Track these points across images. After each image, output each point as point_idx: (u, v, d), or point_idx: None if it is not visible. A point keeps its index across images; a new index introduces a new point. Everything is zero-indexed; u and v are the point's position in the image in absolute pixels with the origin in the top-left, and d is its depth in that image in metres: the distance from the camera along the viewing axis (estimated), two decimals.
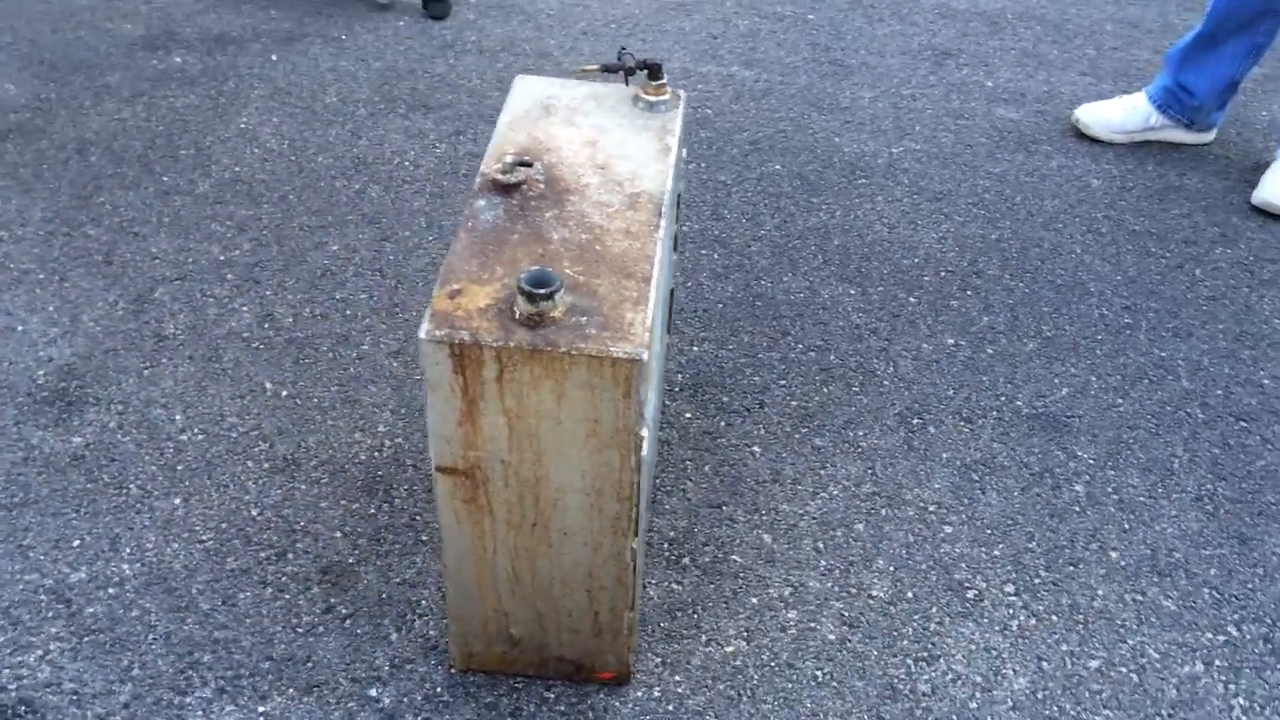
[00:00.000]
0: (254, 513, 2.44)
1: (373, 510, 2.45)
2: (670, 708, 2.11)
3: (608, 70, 2.16)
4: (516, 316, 1.68)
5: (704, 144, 3.67)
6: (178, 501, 2.45)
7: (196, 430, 2.62)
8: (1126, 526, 2.50)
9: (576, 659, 2.10)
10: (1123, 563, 2.42)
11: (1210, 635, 2.29)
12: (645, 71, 2.15)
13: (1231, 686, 2.19)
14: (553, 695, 2.13)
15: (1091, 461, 2.64)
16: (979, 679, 2.19)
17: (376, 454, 2.58)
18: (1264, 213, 3.47)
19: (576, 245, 1.84)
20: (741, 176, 3.53)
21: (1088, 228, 3.40)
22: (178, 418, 2.65)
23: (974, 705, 2.14)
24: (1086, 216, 3.45)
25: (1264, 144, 3.81)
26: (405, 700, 2.09)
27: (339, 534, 2.40)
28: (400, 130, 3.69)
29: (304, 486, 2.50)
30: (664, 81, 2.16)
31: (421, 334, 1.66)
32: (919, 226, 3.36)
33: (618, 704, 2.11)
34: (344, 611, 2.24)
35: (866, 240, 3.30)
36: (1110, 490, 2.58)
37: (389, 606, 2.26)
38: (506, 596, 2.00)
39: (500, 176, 1.93)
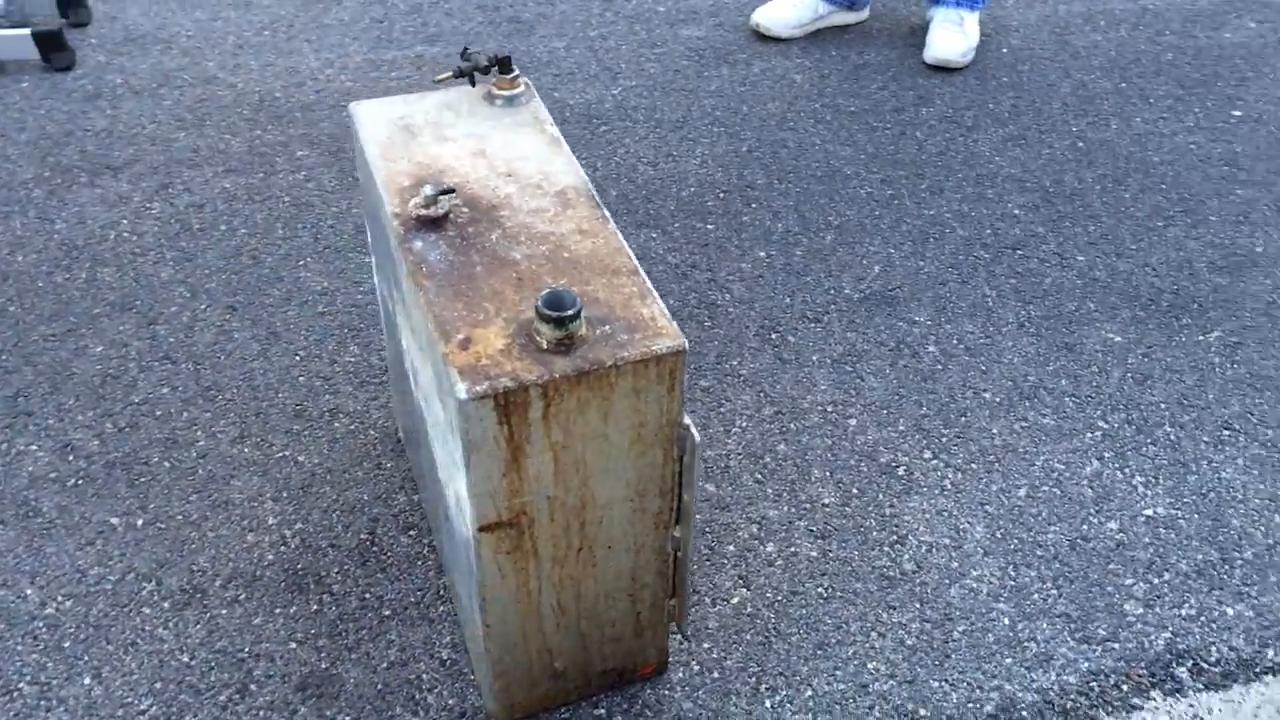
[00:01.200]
0: (186, 659, 2.14)
1: (315, 606, 2.23)
2: (715, 675, 2.13)
3: (463, 75, 2.04)
4: (545, 347, 1.59)
5: None
6: (88, 681, 2.10)
7: (60, 599, 2.23)
8: (984, 368, 2.79)
9: (619, 665, 2.06)
10: (997, 399, 2.70)
11: (1090, 435, 2.62)
12: (497, 67, 2.05)
13: (1126, 470, 2.54)
14: (603, 711, 2.08)
15: (929, 323, 2.90)
16: (947, 541, 2.38)
17: (283, 549, 2.34)
18: (939, 68, 3.89)
19: (544, 258, 1.75)
20: None
21: (815, 119, 3.66)
22: (29, 593, 2.24)
23: (955, 564, 2.34)
24: (808, 110, 3.70)
25: (910, 8, 4.24)
26: None
27: (293, 644, 2.17)
28: (96, 200, 3.25)
29: (224, 611, 2.22)
30: (516, 74, 2.07)
31: (462, 395, 1.53)
32: (677, 158, 3.46)
33: (667, 693, 2.10)
34: None
35: (639, 183, 3.35)
36: (955, 342, 2.85)
37: (391, 696, 2.09)
38: (551, 633, 1.92)
39: (425, 212, 1.79)
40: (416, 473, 2.37)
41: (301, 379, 2.70)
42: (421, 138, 1.99)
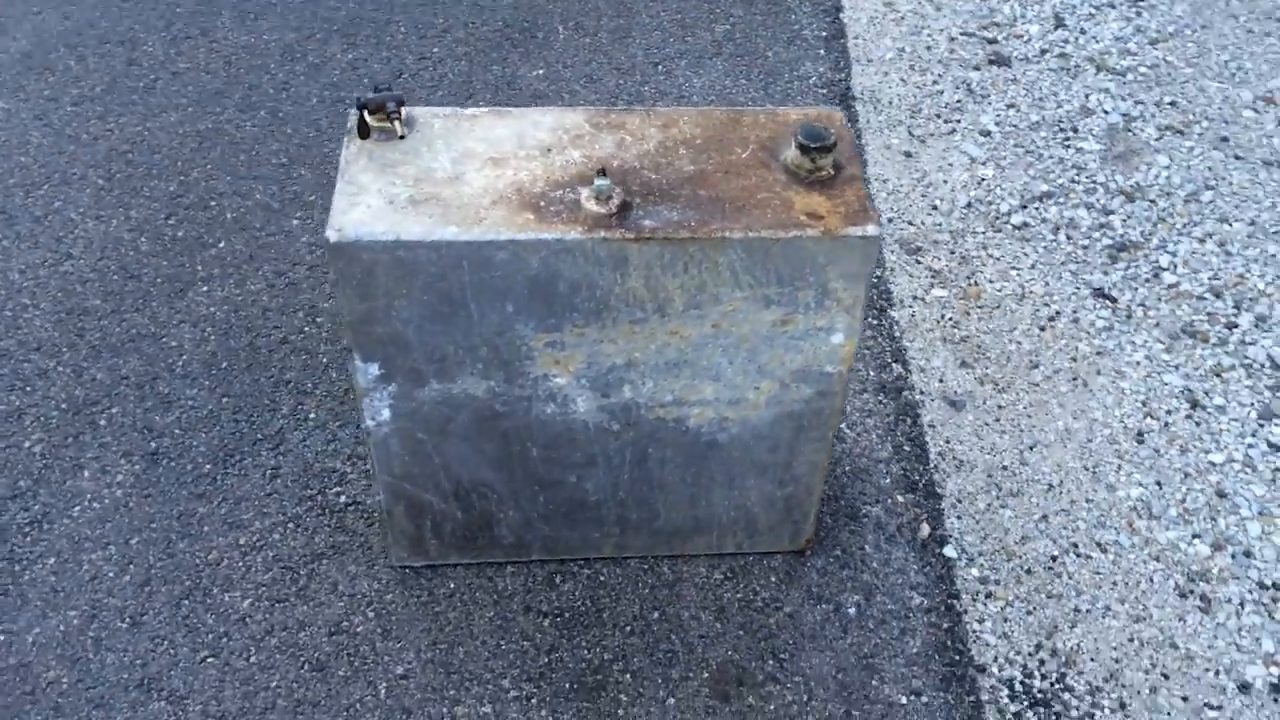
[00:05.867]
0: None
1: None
2: None
3: (380, 112, 1.73)
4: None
5: None
6: None
7: None
8: None
9: None
10: None
11: None
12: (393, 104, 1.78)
13: None
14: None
15: None
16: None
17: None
18: None
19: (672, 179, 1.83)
20: None
21: None
22: None
23: None
24: None
25: None
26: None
27: None
28: None
29: None
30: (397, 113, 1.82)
31: (873, 231, 1.71)
32: None
33: None
34: None
35: None
36: None
37: None
38: None
39: (602, 208, 1.69)
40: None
41: None
42: (469, 165, 1.72)
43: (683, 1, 3.83)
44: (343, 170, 1.75)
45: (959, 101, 3.47)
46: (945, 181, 3.17)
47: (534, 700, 2.02)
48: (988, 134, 3.35)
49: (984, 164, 3.23)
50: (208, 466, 2.37)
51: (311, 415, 2.48)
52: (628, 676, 2.07)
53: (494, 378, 1.85)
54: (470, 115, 1.88)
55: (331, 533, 2.26)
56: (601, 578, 2.21)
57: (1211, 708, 2.07)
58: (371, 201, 1.70)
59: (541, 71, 3.49)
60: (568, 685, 2.04)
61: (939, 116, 3.41)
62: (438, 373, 1.83)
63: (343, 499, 2.32)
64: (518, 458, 1.99)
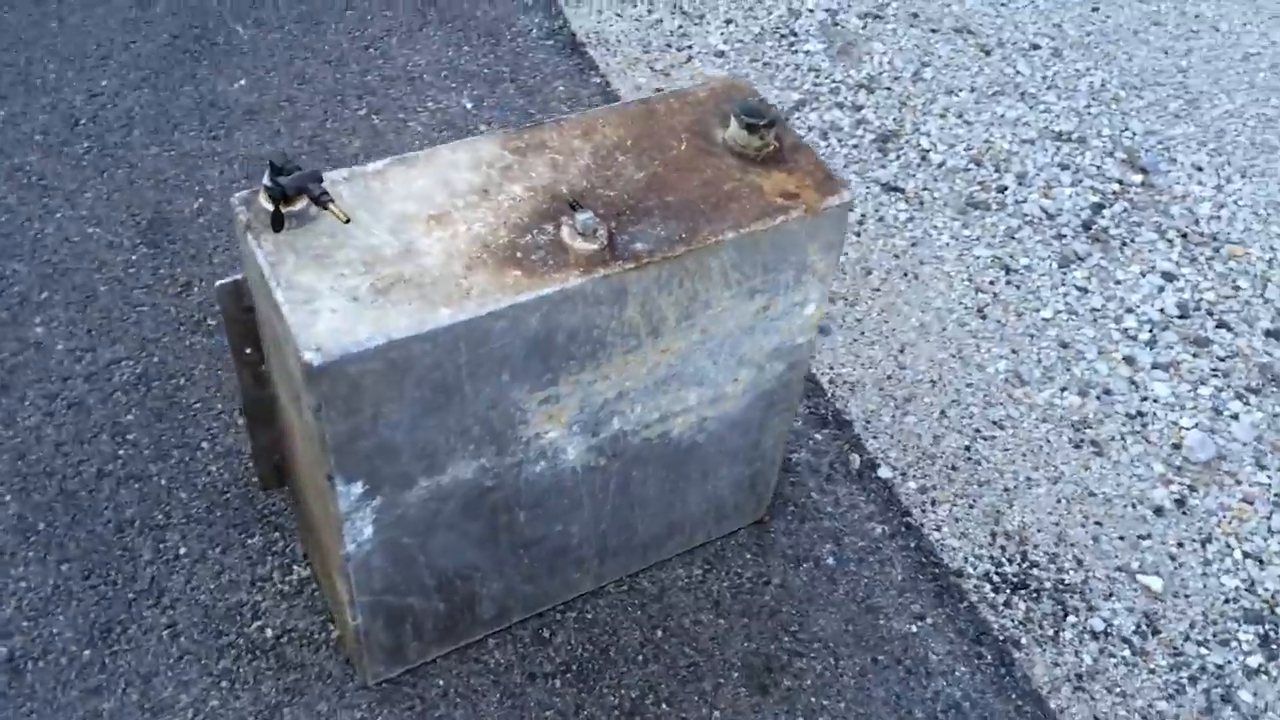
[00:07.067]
0: None
1: None
2: None
3: (302, 196, 1.44)
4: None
5: None
6: None
7: None
8: None
9: None
10: None
11: None
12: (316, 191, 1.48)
13: None
14: None
15: None
16: None
17: None
18: None
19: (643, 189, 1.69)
20: None
21: None
22: None
23: None
24: None
25: None
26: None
27: None
28: None
29: None
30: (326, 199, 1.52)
31: (846, 199, 1.67)
32: None
33: None
34: None
35: None
36: None
37: None
38: None
39: (590, 245, 1.52)
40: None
41: None
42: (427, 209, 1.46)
43: None
44: (272, 276, 1.44)
45: (680, 27, 3.45)
46: None
47: None
48: (721, 54, 3.37)
49: None
50: (86, 653, 1.94)
51: (181, 550, 2.09)
52: (664, 705, 1.96)
53: (485, 454, 1.64)
54: (374, 171, 1.60)
55: (277, 675, 1.93)
56: (589, 616, 2.07)
57: (1144, 538, 2.30)
58: (333, 304, 1.41)
59: (244, 82, 3.07)
60: None
61: (670, 46, 3.38)
62: (426, 469, 1.59)
63: (269, 632, 1.99)
64: (504, 528, 1.79)
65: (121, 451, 2.23)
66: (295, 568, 2.08)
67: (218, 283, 1.64)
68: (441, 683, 1.96)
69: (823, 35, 3.47)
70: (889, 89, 3.30)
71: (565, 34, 3.37)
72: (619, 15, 3.46)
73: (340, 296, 1.42)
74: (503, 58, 3.25)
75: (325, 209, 1.44)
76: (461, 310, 1.43)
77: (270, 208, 1.48)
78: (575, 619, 2.06)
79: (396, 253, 1.49)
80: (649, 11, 3.49)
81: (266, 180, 1.46)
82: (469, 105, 3.09)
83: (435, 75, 3.16)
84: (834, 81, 3.30)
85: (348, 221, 1.44)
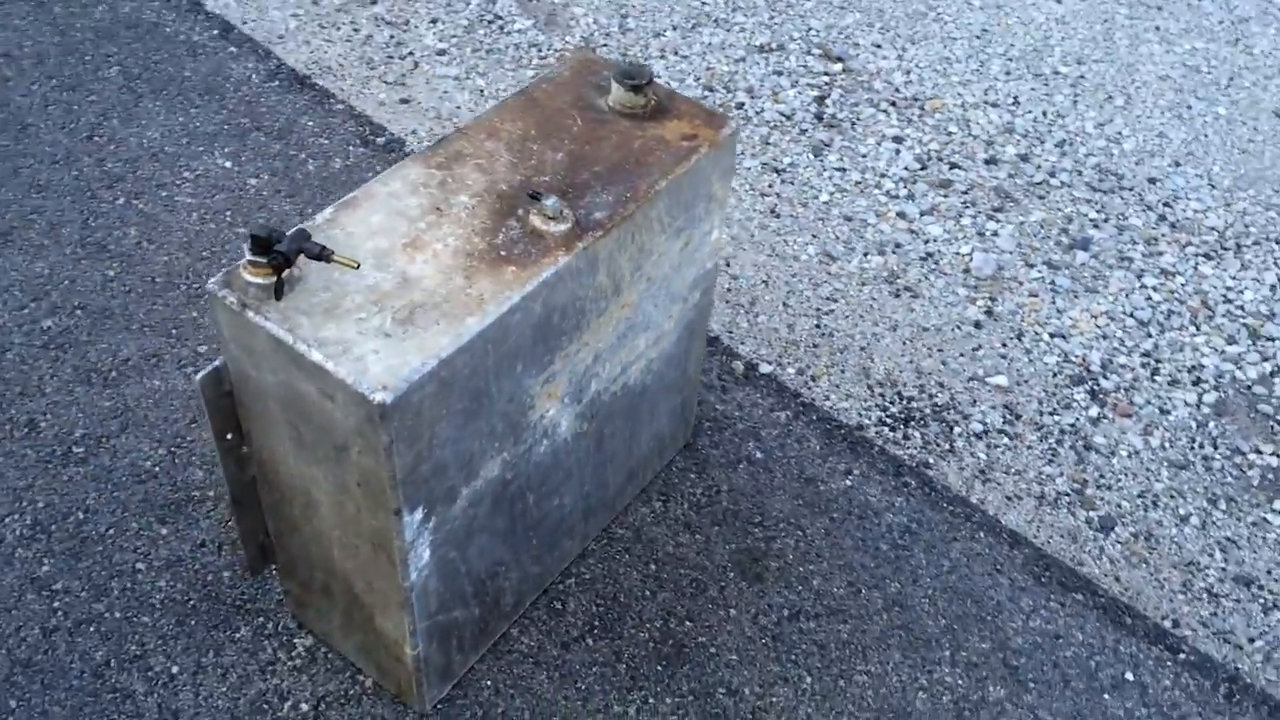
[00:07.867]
0: None
1: None
2: None
3: (315, 254, 1.47)
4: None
5: None
6: None
7: None
8: None
9: None
10: None
11: None
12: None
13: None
14: None
15: None
16: None
17: None
18: None
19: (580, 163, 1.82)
20: None
21: None
22: None
23: None
24: None
25: None
26: None
27: None
28: None
29: None
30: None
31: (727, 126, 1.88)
32: None
33: None
34: None
35: None
36: None
37: None
38: None
39: (558, 226, 1.65)
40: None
41: None
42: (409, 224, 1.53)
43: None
44: (299, 341, 1.46)
45: (393, 37, 3.51)
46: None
47: (649, 701, 2.03)
48: (443, 52, 3.47)
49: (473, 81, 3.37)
50: None
51: (174, 669, 2.01)
52: (687, 623, 2.15)
53: (506, 448, 1.74)
54: (325, 221, 1.64)
55: None
56: (586, 576, 2.20)
57: (977, 349, 2.73)
58: (372, 346, 1.47)
59: None
60: (659, 668, 2.07)
61: (391, 56, 3.43)
62: (466, 478, 1.67)
63: (304, 706, 1.98)
64: (519, 515, 1.90)
65: (56, 603, 2.09)
66: (296, 641, 2.07)
67: (198, 375, 1.62)
68: (489, 683, 2.04)
69: (525, 12, 3.65)
70: (605, 44, 3.54)
71: (285, 72, 3.34)
72: (329, 41, 3.47)
73: (372, 338, 1.48)
74: (236, 110, 3.19)
75: (330, 261, 1.48)
76: (484, 316, 1.53)
77: (261, 280, 1.49)
78: (576, 584, 2.19)
79: (395, 285, 1.55)
80: (355, 30, 3.52)
81: (253, 255, 1.47)
82: (228, 164, 3.02)
83: (177, 144, 3.06)
84: (556, 50, 3.50)
85: (358, 266, 1.49)
